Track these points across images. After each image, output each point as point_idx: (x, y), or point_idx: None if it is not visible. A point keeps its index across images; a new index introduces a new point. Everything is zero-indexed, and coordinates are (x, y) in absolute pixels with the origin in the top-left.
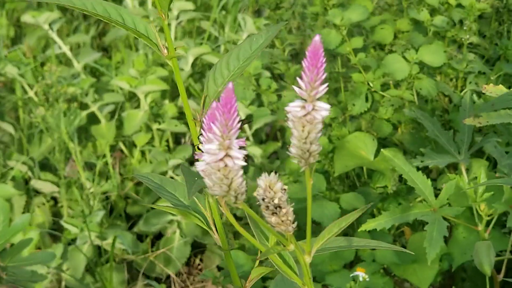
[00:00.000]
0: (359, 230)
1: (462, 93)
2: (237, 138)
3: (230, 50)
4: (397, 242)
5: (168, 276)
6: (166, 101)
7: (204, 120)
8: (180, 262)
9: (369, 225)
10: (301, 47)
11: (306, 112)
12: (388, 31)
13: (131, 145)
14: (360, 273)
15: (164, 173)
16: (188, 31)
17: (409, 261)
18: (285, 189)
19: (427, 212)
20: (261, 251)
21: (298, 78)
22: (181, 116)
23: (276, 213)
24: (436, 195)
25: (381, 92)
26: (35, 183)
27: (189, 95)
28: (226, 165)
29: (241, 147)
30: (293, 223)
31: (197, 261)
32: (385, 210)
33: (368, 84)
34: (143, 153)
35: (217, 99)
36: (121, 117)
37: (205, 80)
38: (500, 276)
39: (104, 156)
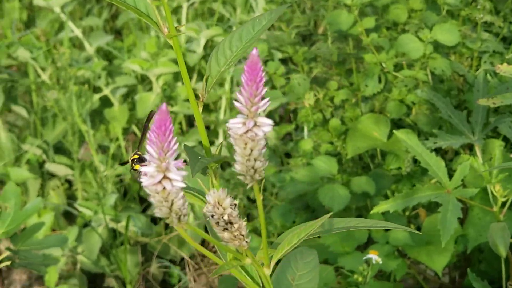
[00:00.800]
0: (371, 212)
1: (476, 73)
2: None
3: (232, 31)
4: (412, 223)
5: (183, 258)
6: (179, 84)
7: (150, 132)
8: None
9: (382, 207)
10: (315, 28)
11: (247, 129)
12: (402, 10)
13: None
14: (373, 256)
15: (177, 156)
16: (200, 13)
17: (423, 243)
18: (235, 205)
19: (441, 194)
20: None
21: (237, 93)
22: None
23: (227, 229)
24: (452, 176)
25: (394, 73)
26: (49, 166)
27: (201, 77)
28: (164, 188)
29: (179, 169)
30: (247, 237)
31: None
32: (399, 192)
33: (381, 64)
34: None
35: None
36: (134, 100)
37: (207, 61)
38: None
39: (117, 139)
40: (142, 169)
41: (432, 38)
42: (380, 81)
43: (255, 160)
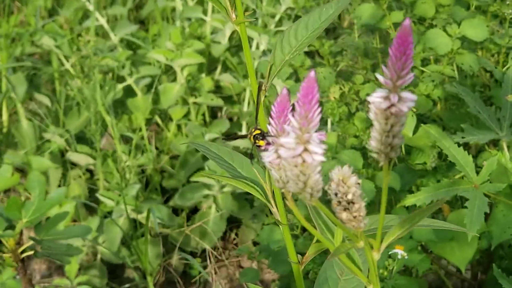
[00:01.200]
0: (397, 206)
1: (504, 69)
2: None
3: (298, 19)
4: (435, 219)
5: (204, 250)
6: (203, 75)
7: (272, 107)
8: (215, 236)
9: (409, 200)
10: (339, 21)
11: (391, 103)
12: (430, 5)
13: (167, 119)
14: (399, 251)
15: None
16: None
17: (447, 239)
18: (359, 183)
19: (468, 189)
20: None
21: (383, 66)
22: (217, 90)
23: (348, 209)
24: (476, 172)
25: (421, 68)
26: (71, 156)
27: (226, 68)
28: (304, 161)
29: (321, 141)
30: (365, 219)
31: (233, 235)
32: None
33: None
34: (179, 126)
35: (295, 90)
36: (158, 90)
37: (271, 49)
38: None
39: (140, 129)
40: (282, 140)
41: (460, 33)
42: None
43: (393, 137)
